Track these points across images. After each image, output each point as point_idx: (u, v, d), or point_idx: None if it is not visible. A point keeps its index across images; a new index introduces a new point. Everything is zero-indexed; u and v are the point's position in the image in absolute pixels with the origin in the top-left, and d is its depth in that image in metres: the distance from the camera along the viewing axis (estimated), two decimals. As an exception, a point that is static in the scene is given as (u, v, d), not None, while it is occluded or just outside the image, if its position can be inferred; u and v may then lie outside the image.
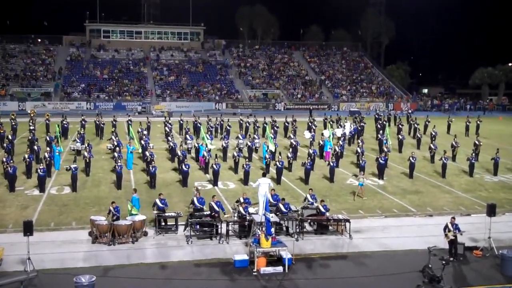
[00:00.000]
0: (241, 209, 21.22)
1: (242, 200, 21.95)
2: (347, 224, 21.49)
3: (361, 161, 31.44)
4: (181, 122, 45.31)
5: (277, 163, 29.94)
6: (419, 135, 42.36)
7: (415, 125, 46.43)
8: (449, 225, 19.35)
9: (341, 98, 78.39)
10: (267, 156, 32.60)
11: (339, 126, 44.98)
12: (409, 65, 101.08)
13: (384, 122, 48.34)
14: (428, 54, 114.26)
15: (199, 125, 42.98)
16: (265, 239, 18.10)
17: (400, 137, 40.39)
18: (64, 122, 42.69)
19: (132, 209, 21.64)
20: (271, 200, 22.59)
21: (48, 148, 31.90)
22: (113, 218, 20.64)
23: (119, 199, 24.32)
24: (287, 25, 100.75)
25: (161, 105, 67.46)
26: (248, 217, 20.68)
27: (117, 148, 32.72)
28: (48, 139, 35.89)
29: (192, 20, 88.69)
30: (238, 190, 27.51)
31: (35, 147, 33.67)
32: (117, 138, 36.24)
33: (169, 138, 37.20)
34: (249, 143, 35.87)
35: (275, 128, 43.30)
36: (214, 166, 28.92)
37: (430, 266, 17.23)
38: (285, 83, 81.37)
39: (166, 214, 21.84)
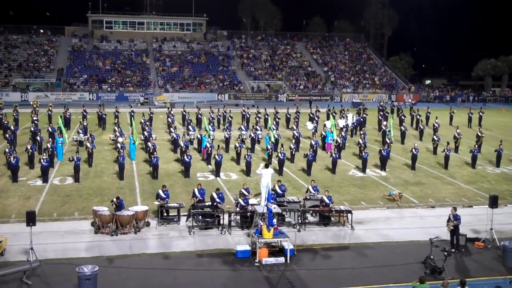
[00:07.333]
0: (240, 200, 21.27)
1: (243, 191, 21.98)
2: (349, 215, 21.50)
3: (363, 153, 31.38)
4: (184, 113, 45.29)
5: (279, 154, 29.94)
6: (421, 127, 42.20)
7: (417, 117, 46.33)
8: (451, 216, 19.33)
9: (343, 90, 78.27)
10: (269, 147, 32.60)
11: (342, 117, 44.87)
12: (412, 57, 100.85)
13: (387, 114, 48.21)
14: (431, 45, 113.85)
15: (200, 116, 43.00)
16: (267, 230, 18.14)
17: (403, 128, 40.36)
18: (67, 113, 42.69)
19: None
20: (279, 190, 22.69)
21: (50, 139, 31.97)
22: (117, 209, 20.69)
23: (121, 190, 24.38)
24: (289, 16, 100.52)
25: (163, 96, 67.32)
26: (249, 208, 20.74)
27: (120, 139, 32.74)
28: (50, 130, 35.94)
29: (194, 11, 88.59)
30: (240, 181, 27.49)
31: (38, 138, 33.72)
32: (119, 129, 36.26)
33: (172, 129, 37.20)
34: (252, 134, 35.90)
35: (277, 119, 43.30)
36: (217, 157, 28.93)
37: (432, 257, 17.25)
38: (287, 74, 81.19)
39: (169, 204, 21.87)
